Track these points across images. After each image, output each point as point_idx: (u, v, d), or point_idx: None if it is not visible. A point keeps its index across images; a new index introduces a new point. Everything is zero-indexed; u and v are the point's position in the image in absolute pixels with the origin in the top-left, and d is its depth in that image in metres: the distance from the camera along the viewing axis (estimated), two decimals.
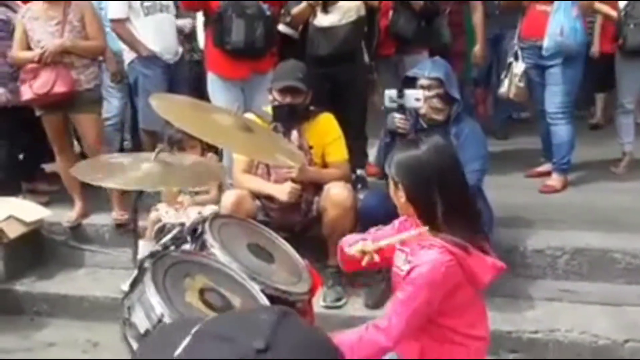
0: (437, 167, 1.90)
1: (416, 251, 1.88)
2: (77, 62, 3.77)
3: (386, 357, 1.95)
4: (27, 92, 3.76)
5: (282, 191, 3.19)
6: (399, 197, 1.96)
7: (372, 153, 4.11)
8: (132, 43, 4.14)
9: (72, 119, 3.87)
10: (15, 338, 3.42)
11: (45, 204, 4.16)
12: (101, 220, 4.00)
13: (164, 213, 3.41)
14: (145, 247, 3.44)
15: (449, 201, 1.88)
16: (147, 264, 1.86)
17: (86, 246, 3.98)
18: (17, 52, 3.84)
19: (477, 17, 4.64)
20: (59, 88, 3.67)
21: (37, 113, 3.87)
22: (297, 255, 2.45)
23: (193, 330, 0.80)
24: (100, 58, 4.11)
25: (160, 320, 1.69)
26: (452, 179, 1.92)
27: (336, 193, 3.19)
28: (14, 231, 3.73)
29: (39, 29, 3.76)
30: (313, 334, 0.84)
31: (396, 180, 1.96)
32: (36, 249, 3.96)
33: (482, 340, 1.94)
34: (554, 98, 4.09)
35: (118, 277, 3.67)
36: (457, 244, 1.81)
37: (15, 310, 3.67)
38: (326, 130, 3.35)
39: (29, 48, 3.78)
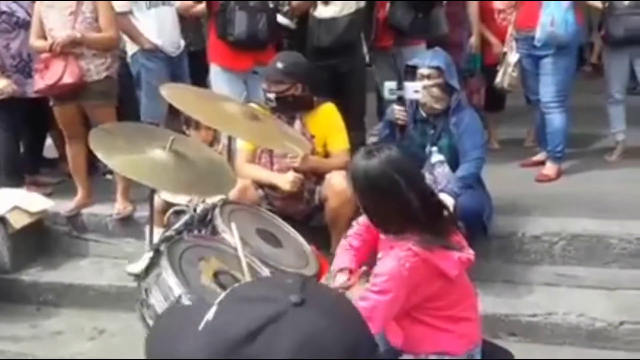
0: (386, 181, 1.90)
1: (385, 252, 1.97)
2: (87, 52, 3.77)
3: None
4: (38, 82, 3.78)
5: (285, 180, 3.24)
6: (357, 203, 2.01)
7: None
8: (135, 36, 4.16)
9: (84, 110, 3.86)
10: (23, 327, 3.47)
11: (48, 195, 4.20)
12: (104, 210, 4.04)
13: (170, 196, 3.40)
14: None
15: (401, 212, 1.89)
16: (162, 248, 1.92)
17: (90, 236, 4.02)
18: (32, 39, 3.85)
19: (472, 8, 4.71)
20: (68, 79, 3.68)
21: (50, 103, 3.89)
22: (303, 240, 2.53)
23: (216, 301, 0.81)
24: None
25: (178, 301, 1.75)
26: (404, 192, 1.88)
27: (338, 182, 3.24)
28: (19, 221, 3.78)
29: (53, 18, 3.76)
30: (336, 293, 0.90)
31: (352, 188, 2.00)
32: (41, 240, 4.00)
33: (468, 320, 2.00)
34: (548, 88, 4.16)
35: (122, 267, 3.70)
36: (420, 244, 1.85)
37: (22, 300, 3.71)
38: (328, 120, 3.40)
39: (44, 36, 3.79)
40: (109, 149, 1.92)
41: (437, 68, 3.23)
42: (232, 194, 3.18)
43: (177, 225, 2.11)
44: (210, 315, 0.80)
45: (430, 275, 1.87)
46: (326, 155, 3.42)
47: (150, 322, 1.80)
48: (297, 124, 3.32)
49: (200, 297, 1.74)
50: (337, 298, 0.87)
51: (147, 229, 3.50)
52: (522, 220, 3.51)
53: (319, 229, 3.37)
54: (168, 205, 3.31)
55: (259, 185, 3.35)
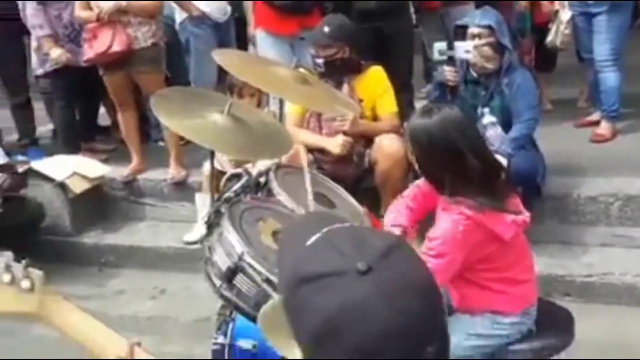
0: (445, 140, 1.91)
1: (439, 214, 1.98)
2: (133, 20, 3.84)
3: None
4: (88, 52, 3.88)
5: (334, 144, 3.26)
6: (413, 162, 2.04)
7: (418, 106, 4.14)
8: (183, 3, 4.20)
9: (133, 77, 3.95)
10: (87, 287, 3.64)
11: (104, 162, 4.35)
12: (159, 175, 4.15)
13: (217, 164, 3.46)
14: (202, 199, 3.58)
15: (457, 172, 1.90)
16: (223, 209, 1.98)
17: (146, 200, 4.15)
18: (78, 10, 3.94)
19: None
20: (117, 47, 3.76)
21: (100, 72, 3.99)
22: (355, 202, 2.55)
23: (324, 230, 0.86)
24: None
25: (240, 258, 1.82)
26: (462, 152, 1.90)
27: (388, 145, 3.26)
28: (78, 187, 3.93)
29: None
30: (417, 271, 0.86)
31: (409, 146, 2.02)
32: (100, 204, 4.16)
33: (525, 282, 2.02)
34: (602, 46, 4.04)
35: (178, 230, 3.86)
36: (473, 207, 1.86)
37: (84, 262, 3.89)
38: (376, 84, 3.39)
39: (89, 7, 3.87)
40: (169, 114, 1.98)
41: (488, 27, 3.17)
42: (284, 158, 3.23)
43: (235, 187, 2.16)
44: (313, 239, 0.85)
45: (484, 238, 1.89)
46: (374, 118, 3.42)
47: (215, 280, 1.87)
48: (345, 88, 3.32)
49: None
50: (413, 275, 0.84)
51: (197, 195, 3.61)
52: (577, 181, 3.46)
53: (368, 191, 3.40)
54: (217, 172, 3.38)
55: (308, 149, 3.37)
